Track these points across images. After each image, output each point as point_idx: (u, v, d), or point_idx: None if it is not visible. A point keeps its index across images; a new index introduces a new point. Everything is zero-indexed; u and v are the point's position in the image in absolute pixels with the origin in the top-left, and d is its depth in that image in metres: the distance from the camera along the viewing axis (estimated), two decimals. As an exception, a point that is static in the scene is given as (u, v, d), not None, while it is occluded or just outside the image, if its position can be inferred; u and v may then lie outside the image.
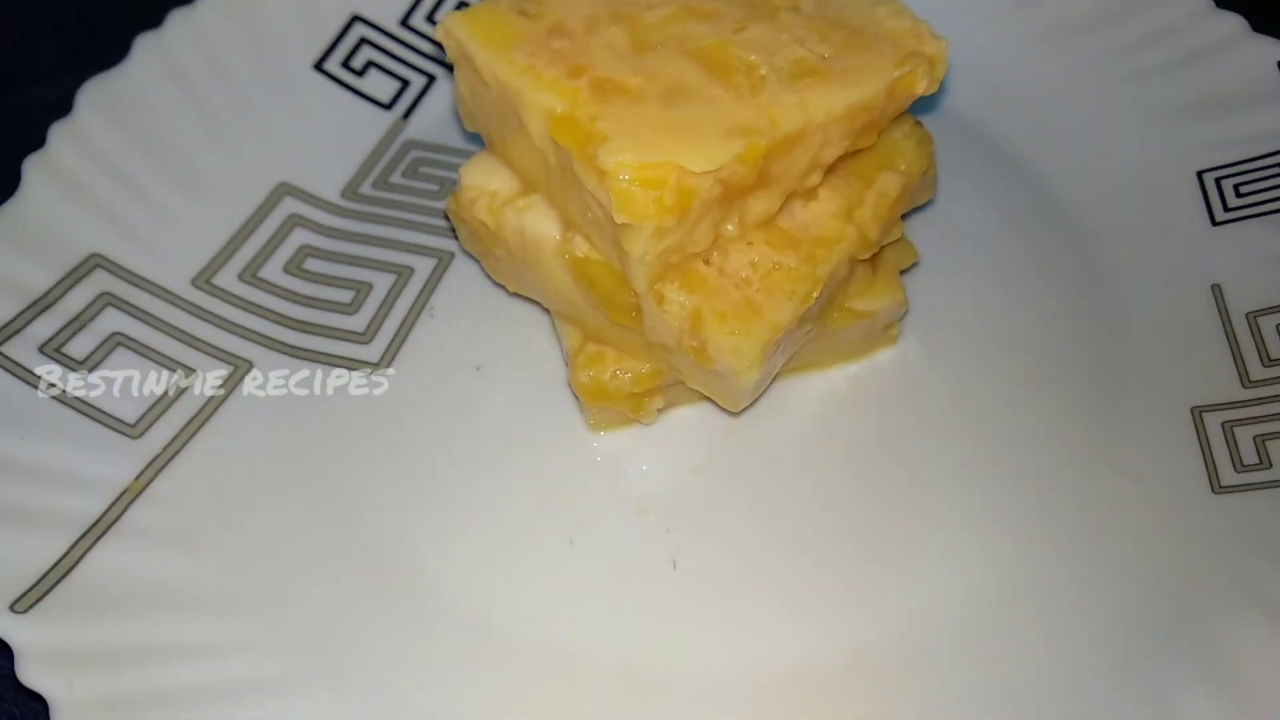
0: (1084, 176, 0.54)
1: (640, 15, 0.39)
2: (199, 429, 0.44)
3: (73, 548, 0.38)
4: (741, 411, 0.44)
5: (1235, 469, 0.42)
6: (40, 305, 0.44)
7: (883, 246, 0.45)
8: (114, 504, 0.40)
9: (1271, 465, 0.41)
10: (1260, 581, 0.39)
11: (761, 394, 0.43)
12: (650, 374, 0.43)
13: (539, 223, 0.41)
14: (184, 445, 0.43)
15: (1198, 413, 0.44)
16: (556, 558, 0.43)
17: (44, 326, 0.43)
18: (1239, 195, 0.51)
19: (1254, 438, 0.43)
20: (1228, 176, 0.51)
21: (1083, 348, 0.48)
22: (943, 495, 0.43)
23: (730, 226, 0.39)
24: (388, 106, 0.57)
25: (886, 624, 0.40)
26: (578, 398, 0.44)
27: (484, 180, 0.42)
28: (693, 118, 0.36)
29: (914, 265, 0.46)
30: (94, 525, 0.39)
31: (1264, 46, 0.53)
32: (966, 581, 0.41)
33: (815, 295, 0.39)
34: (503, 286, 0.47)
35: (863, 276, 0.44)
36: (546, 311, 0.50)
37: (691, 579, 0.42)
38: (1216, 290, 0.48)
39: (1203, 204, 0.51)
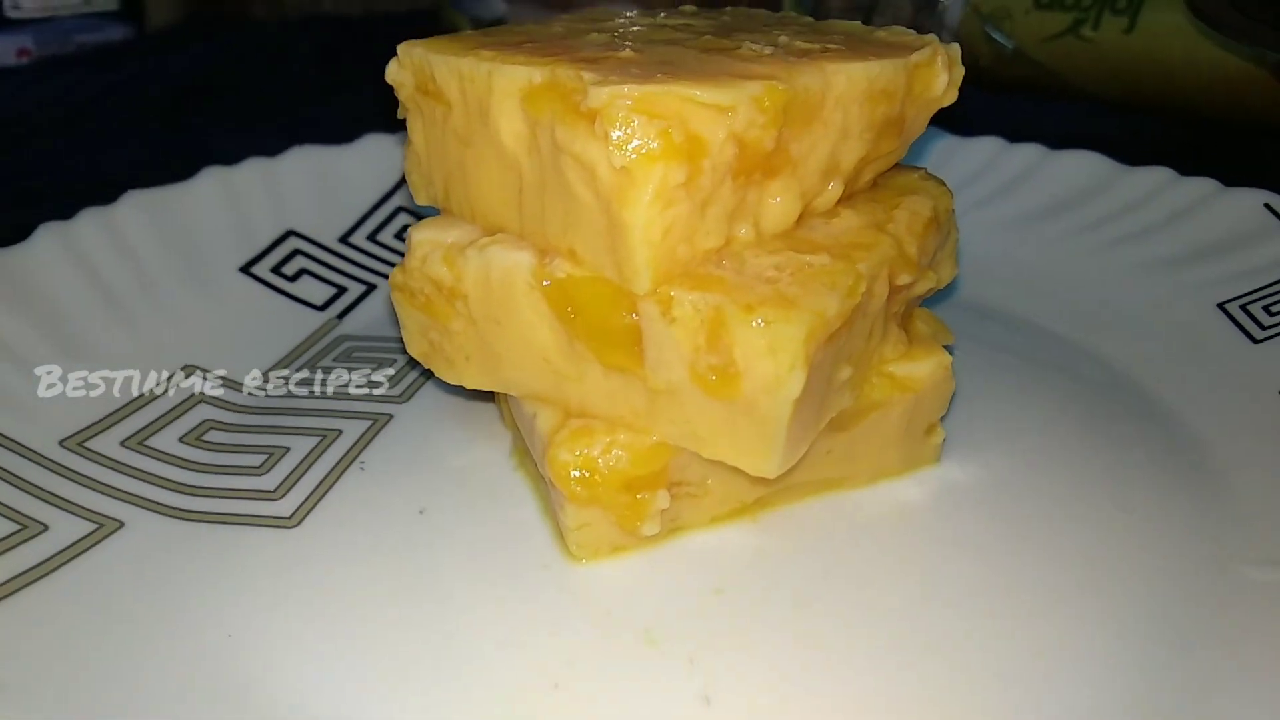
0: (1098, 326, 0.49)
1: (618, 29, 0.35)
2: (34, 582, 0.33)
3: None
4: (778, 480, 0.34)
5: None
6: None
7: (915, 320, 0.39)
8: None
9: None
10: None
11: (798, 459, 0.32)
12: (653, 451, 0.33)
13: (506, 253, 0.33)
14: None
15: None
16: (540, 709, 0.29)
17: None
18: (1271, 315, 0.47)
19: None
20: (1253, 302, 0.48)
21: (1160, 460, 0.40)
22: (998, 622, 0.33)
23: (745, 229, 0.32)
24: (320, 308, 0.52)
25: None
26: (558, 495, 0.33)
27: (438, 235, 0.35)
28: (697, 73, 0.30)
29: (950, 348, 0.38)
30: None
31: (1245, 195, 0.53)
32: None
33: (861, 291, 0.31)
34: (459, 388, 0.38)
35: (899, 342, 0.36)
36: (509, 433, 0.40)
37: (731, 716, 0.29)
38: (1289, 394, 0.42)
39: (1235, 330, 0.47)
